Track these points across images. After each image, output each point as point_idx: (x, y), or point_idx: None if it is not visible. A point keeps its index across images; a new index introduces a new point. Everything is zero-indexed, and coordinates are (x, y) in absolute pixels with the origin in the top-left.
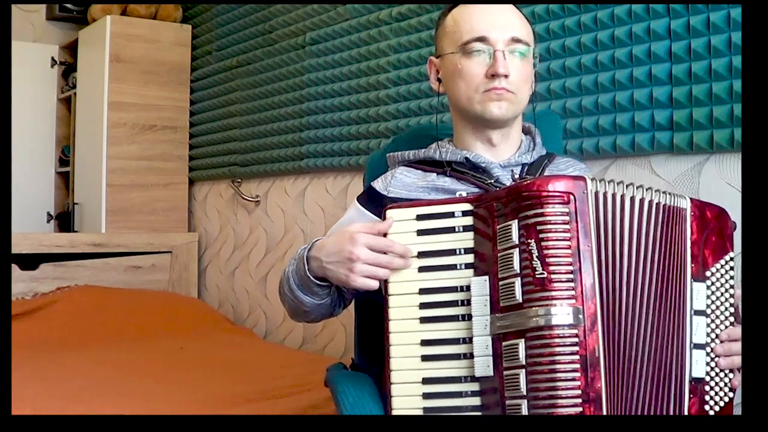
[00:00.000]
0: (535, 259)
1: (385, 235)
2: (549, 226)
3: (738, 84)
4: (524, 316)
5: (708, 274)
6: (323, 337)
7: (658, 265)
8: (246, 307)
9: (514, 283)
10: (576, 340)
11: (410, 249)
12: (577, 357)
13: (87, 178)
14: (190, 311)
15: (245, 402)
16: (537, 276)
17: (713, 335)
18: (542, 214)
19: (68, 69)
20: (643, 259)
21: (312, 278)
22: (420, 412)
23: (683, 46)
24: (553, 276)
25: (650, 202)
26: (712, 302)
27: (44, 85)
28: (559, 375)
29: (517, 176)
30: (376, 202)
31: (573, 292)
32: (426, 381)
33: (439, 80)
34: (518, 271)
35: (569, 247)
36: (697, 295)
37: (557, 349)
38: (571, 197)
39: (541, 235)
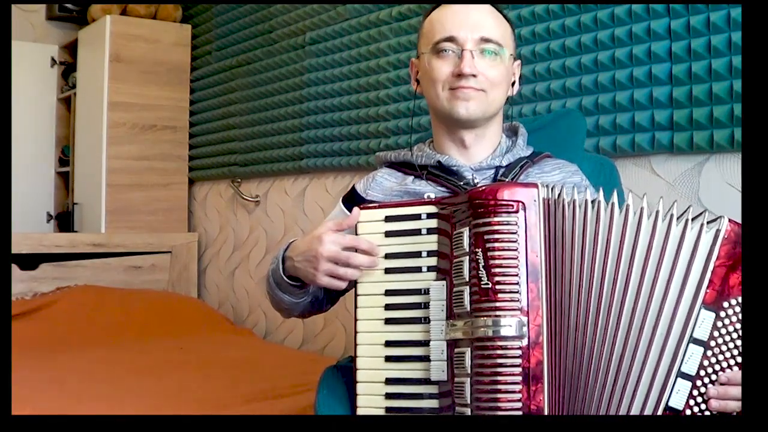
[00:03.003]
0: (481, 268)
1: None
2: (496, 236)
3: (738, 84)
4: (473, 325)
5: (725, 305)
6: (323, 337)
7: (639, 280)
8: (246, 307)
9: (463, 291)
10: (519, 352)
11: (376, 247)
12: (519, 369)
13: (87, 178)
14: (190, 311)
15: (245, 402)
16: (482, 286)
17: (710, 369)
18: (489, 224)
19: (68, 69)
20: (607, 272)
21: (285, 278)
22: (382, 412)
23: (683, 46)
24: (497, 287)
25: (628, 210)
26: (720, 335)
27: (44, 85)
28: (500, 387)
29: (477, 181)
30: (355, 203)
31: (518, 304)
32: (389, 381)
33: (417, 81)
34: (467, 280)
35: (515, 258)
36: (702, 323)
37: (499, 360)
38: (521, 206)
39: (487, 245)
